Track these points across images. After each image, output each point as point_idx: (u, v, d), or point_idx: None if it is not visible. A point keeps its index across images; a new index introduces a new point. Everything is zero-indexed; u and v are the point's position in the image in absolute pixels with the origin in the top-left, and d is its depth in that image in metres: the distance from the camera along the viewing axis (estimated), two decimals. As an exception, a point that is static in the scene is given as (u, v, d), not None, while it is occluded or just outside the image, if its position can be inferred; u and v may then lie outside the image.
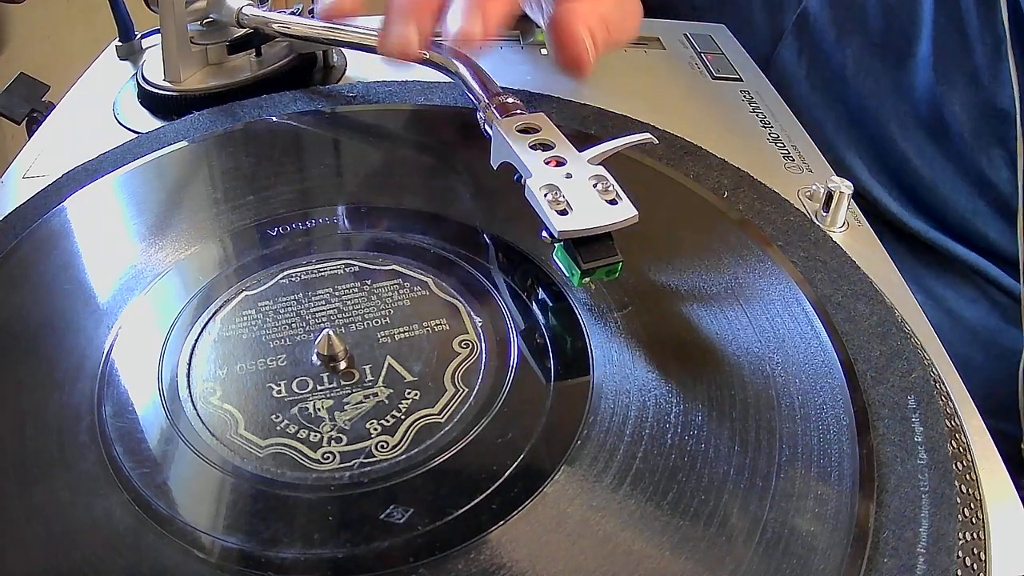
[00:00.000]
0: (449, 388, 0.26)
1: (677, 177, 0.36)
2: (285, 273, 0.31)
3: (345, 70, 0.47)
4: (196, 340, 0.28)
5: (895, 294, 0.32)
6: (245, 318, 0.29)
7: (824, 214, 0.36)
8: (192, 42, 0.43)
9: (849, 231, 0.36)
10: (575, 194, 0.28)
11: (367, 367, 0.27)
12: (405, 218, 0.34)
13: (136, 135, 0.41)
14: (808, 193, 0.38)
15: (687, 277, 0.30)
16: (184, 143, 0.38)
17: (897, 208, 0.53)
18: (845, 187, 0.35)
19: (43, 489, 0.24)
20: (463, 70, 0.35)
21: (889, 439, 0.25)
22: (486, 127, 0.33)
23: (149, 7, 0.42)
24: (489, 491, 0.23)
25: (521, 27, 0.52)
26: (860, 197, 0.38)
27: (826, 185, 0.36)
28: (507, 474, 0.24)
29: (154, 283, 0.31)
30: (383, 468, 0.24)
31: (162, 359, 0.28)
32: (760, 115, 0.44)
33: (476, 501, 0.23)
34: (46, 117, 0.44)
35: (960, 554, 0.23)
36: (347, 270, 0.31)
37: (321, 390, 0.27)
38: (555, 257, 0.29)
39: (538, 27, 0.50)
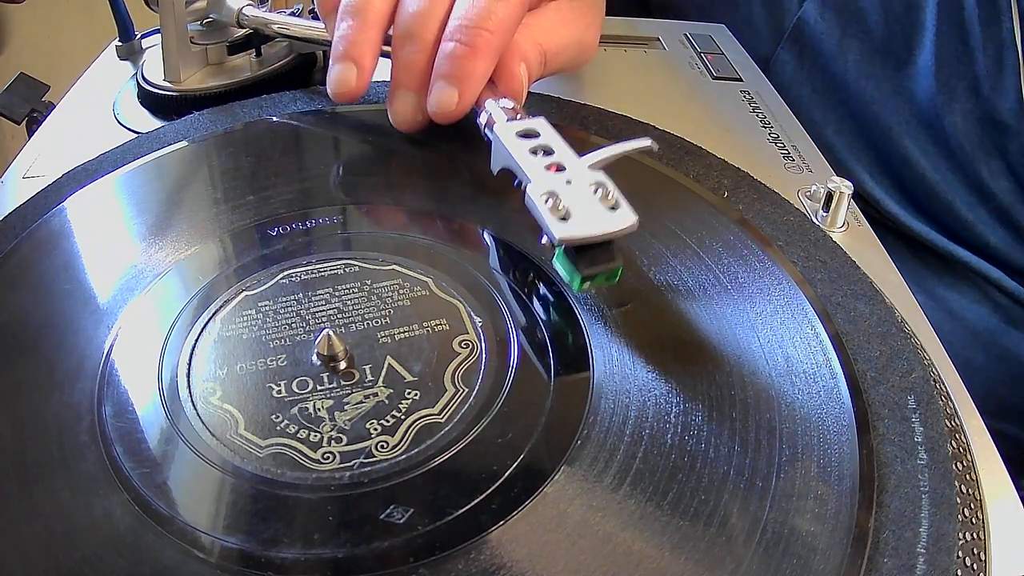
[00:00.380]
0: (449, 388, 0.26)
1: (677, 177, 0.36)
2: (285, 273, 0.31)
3: (345, 70, 0.47)
4: (196, 340, 0.28)
5: (895, 294, 0.32)
6: (245, 318, 0.29)
7: (824, 214, 0.36)
8: (192, 42, 0.43)
9: (849, 231, 0.36)
10: (575, 200, 0.28)
11: (367, 367, 0.27)
12: (405, 218, 0.34)
13: (136, 135, 0.41)
14: (808, 193, 0.38)
15: (687, 277, 0.30)
16: (184, 143, 0.38)
17: (898, 210, 0.53)
18: (845, 187, 0.35)
19: (43, 489, 0.24)
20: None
21: (889, 439, 0.25)
22: (486, 131, 0.33)
23: (149, 7, 0.42)
24: (489, 491, 0.23)
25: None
26: (861, 199, 0.38)
27: (826, 185, 0.36)
28: (507, 474, 0.24)
29: (154, 283, 0.31)
30: (383, 468, 0.24)
31: (162, 359, 0.28)
32: (760, 115, 0.44)
33: (476, 501, 0.23)
34: (46, 117, 0.44)
35: (960, 554, 0.23)
36: (347, 270, 0.31)
37: (321, 390, 0.27)
38: (555, 263, 0.29)
39: None
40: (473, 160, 0.36)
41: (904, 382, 0.27)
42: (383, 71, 0.45)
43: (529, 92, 0.40)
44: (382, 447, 0.25)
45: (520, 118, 0.32)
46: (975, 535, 0.24)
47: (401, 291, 0.30)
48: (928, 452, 0.25)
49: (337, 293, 0.30)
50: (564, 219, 0.27)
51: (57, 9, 0.97)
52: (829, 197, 0.36)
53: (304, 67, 0.45)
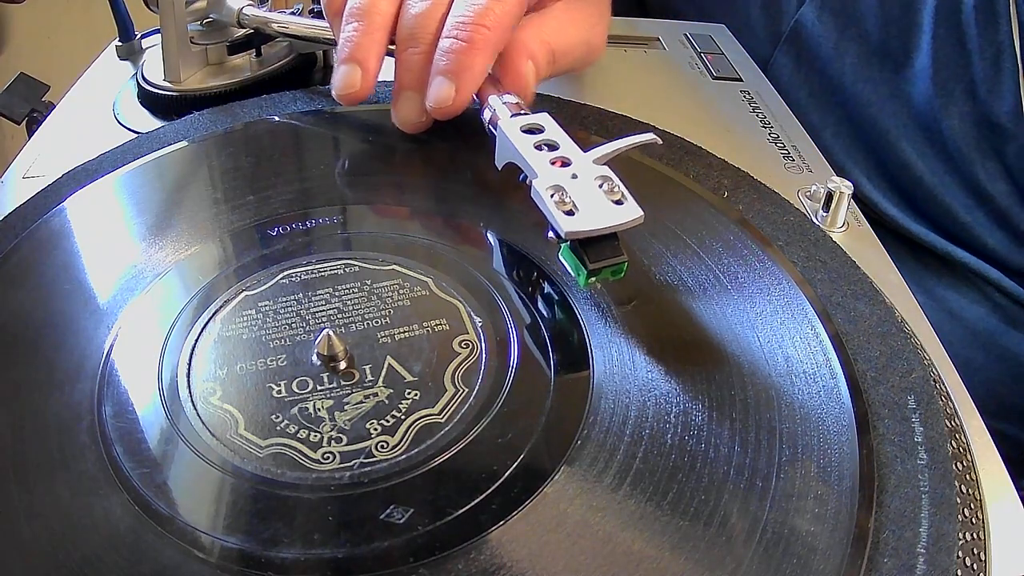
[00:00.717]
0: (449, 388, 0.26)
1: (677, 177, 0.36)
2: (285, 273, 0.31)
3: (345, 70, 0.47)
4: (196, 340, 0.28)
5: (895, 294, 0.32)
6: (245, 318, 0.29)
7: (824, 214, 0.36)
8: (192, 42, 0.43)
9: (849, 231, 0.36)
10: (581, 194, 0.28)
11: (367, 367, 0.27)
12: (405, 218, 0.34)
13: (136, 135, 0.41)
14: (808, 193, 0.38)
15: (687, 277, 0.30)
16: (184, 143, 0.38)
17: (896, 212, 0.53)
18: (845, 187, 0.36)
19: (43, 489, 0.24)
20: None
21: (889, 439, 0.25)
22: (490, 127, 0.33)
23: (149, 7, 0.42)
24: (489, 491, 0.23)
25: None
26: (859, 202, 0.38)
27: (826, 185, 0.36)
28: (507, 474, 0.24)
29: (154, 283, 0.31)
30: (383, 468, 0.24)
31: (162, 359, 0.28)
32: (760, 115, 0.44)
33: (476, 501, 0.23)
34: (46, 117, 0.44)
35: (960, 554, 0.23)
36: (347, 270, 0.31)
37: (321, 390, 0.27)
38: (561, 257, 0.29)
39: None
40: (473, 160, 0.36)
41: (904, 382, 0.27)
42: (383, 72, 0.45)
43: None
44: (382, 447, 0.25)
45: (524, 114, 0.32)
46: (975, 535, 0.24)
47: (401, 291, 0.30)
48: (928, 452, 0.25)
49: (337, 293, 0.30)
50: (570, 213, 0.27)
51: (57, 9, 0.97)
52: (829, 197, 0.36)
53: (304, 67, 0.45)
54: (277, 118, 0.40)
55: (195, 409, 0.26)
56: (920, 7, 0.49)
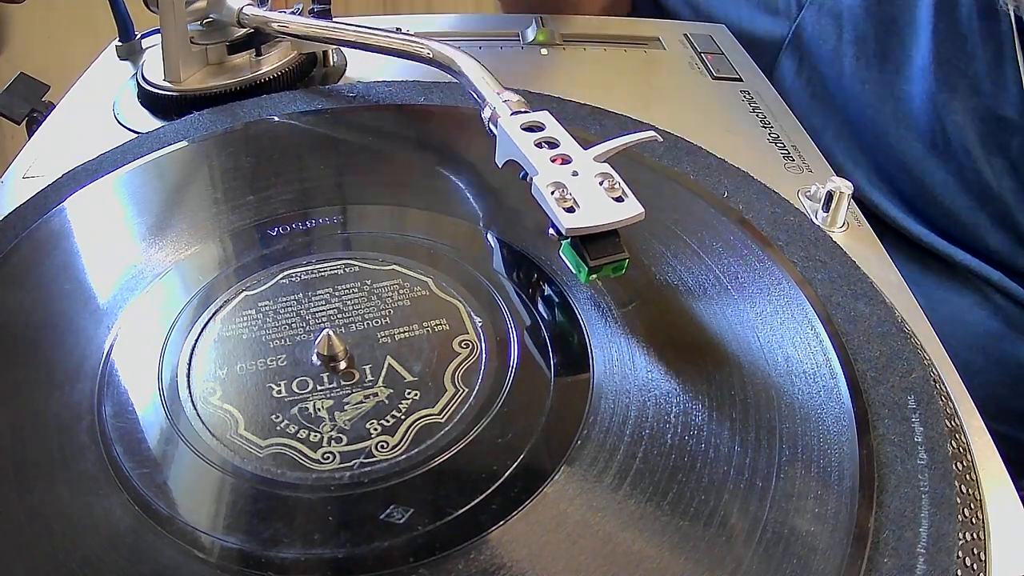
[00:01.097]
0: (449, 388, 0.26)
1: (677, 177, 0.36)
2: (285, 273, 0.31)
3: (345, 70, 0.47)
4: (196, 340, 0.28)
5: (895, 294, 0.32)
6: (245, 318, 0.29)
7: (824, 214, 0.36)
8: (192, 42, 0.43)
9: (849, 231, 0.36)
10: (582, 192, 0.28)
11: (367, 367, 0.27)
12: (405, 218, 0.34)
13: (136, 135, 0.41)
14: (808, 193, 0.38)
15: (687, 277, 0.30)
16: (184, 143, 0.38)
17: (898, 214, 0.53)
18: (845, 187, 0.35)
19: (43, 489, 0.24)
20: (467, 69, 0.35)
21: (889, 439, 0.25)
22: (490, 125, 0.33)
23: (149, 7, 0.42)
24: (489, 491, 0.23)
25: (521, 27, 0.52)
26: (861, 204, 0.38)
27: (826, 185, 0.36)
28: (507, 474, 0.24)
29: (154, 283, 0.31)
30: (383, 468, 0.24)
31: (162, 359, 0.28)
32: (760, 115, 0.44)
33: (476, 501, 0.23)
34: (46, 117, 0.44)
35: (960, 554, 0.23)
36: (347, 270, 0.31)
37: (321, 390, 0.27)
38: (561, 254, 0.29)
39: (539, 27, 0.51)
40: (473, 159, 0.36)
41: (904, 382, 0.27)
42: (383, 72, 0.45)
43: (529, 92, 0.40)
44: (382, 447, 0.25)
45: (524, 112, 0.32)
46: (975, 535, 0.24)
47: (401, 291, 0.30)
48: (928, 452, 0.25)
49: (337, 293, 0.30)
50: (571, 210, 0.27)
51: (57, 9, 0.97)
52: (829, 197, 0.36)
53: (304, 67, 0.45)
54: (277, 118, 0.40)
55: (195, 409, 0.26)
56: (917, 4, 0.49)
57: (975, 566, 0.24)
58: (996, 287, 0.51)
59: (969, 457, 0.27)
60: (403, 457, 0.24)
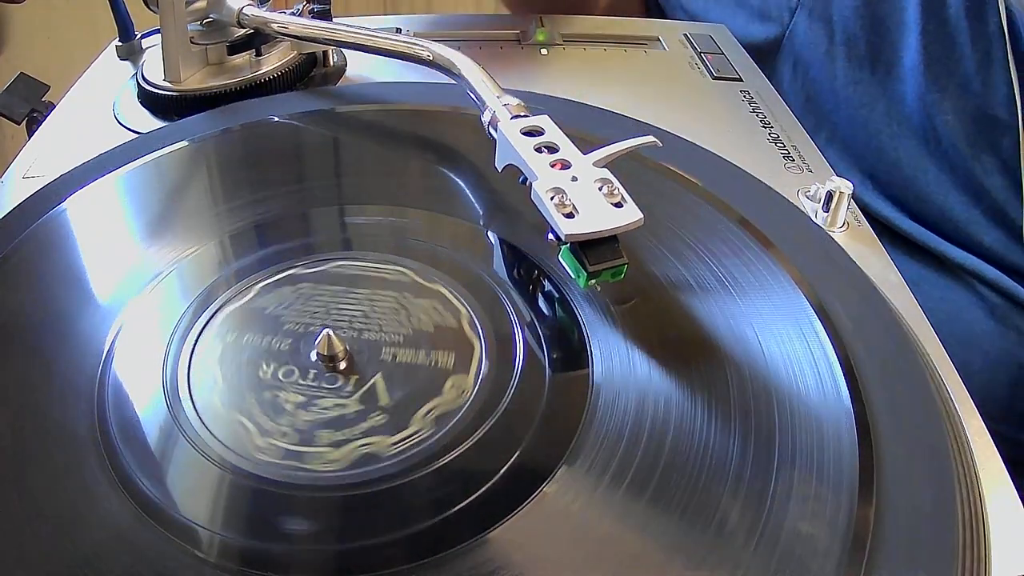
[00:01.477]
0: (413, 426, 0.25)
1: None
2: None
3: (345, 70, 0.47)
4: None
5: (895, 294, 0.32)
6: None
7: (824, 214, 0.36)
8: (192, 42, 0.43)
9: (849, 231, 0.36)
10: (581, 197, 0.28)
11: (354, 378, 0.27)
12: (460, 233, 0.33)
13: (136, 135, 0.41)
14: (808, 193, 0.38)
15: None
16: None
17: (892, 214, 0.53)
18: (845, 187, 0.35)
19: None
20: (467, 72, 0.35)
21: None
22: (490, 129, 0.33)
23: (149, 7, 0.42)
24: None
25: (521, 27, 0.52)
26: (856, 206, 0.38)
27: (826, 185, 0.36)
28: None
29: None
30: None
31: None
32: (760, 115, 0.44)
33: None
34: (46, 117, 0.44)
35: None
36: (396, 277, 0.30)
37: (302, 385, 0.27)
38: (561, 259, 0.29)
39: (539, 27, 0.50)
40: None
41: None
42: (383, 72, 0.45)
43: (529, 92, 0.40)
44: (316, 458, 0.24)
45: (524, 116, 0.32)
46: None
47: (433, 314, 0.29)
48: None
49: (375, 298, 0.29)
50: (570, 216, 0.27)
51: (57, 9, 0.97)
52: (829, 197, 0.36)
53: (304, 67, 0.45)
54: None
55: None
56: (905, 5, 0.50)
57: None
58: (991, 284, 0.51)
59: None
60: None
